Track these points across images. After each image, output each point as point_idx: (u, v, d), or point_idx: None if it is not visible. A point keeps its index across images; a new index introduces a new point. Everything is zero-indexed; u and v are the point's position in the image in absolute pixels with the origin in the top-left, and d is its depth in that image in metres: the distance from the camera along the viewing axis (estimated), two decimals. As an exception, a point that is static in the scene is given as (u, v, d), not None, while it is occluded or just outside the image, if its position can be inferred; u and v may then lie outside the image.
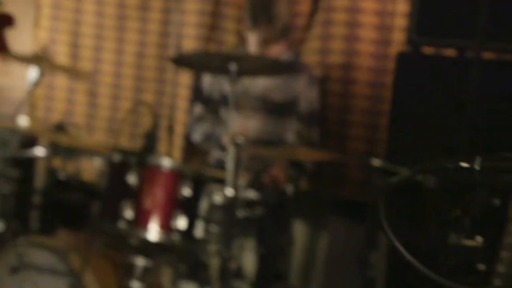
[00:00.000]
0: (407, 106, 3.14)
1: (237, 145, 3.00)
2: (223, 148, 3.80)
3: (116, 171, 3.02)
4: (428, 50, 3.20)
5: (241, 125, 3.75)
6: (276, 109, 3.82)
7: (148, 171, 2.97)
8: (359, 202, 3.83)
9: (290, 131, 3.85)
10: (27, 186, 4.03)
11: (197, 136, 3.94)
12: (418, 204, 3.03)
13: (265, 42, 3.66)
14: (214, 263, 3.40)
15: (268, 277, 3.41)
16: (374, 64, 3.91)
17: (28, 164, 4.61)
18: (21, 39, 4.95)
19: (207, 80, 3.95)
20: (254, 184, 3.36)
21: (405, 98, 3.15)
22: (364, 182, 3.93)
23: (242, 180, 3.35)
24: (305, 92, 3.81)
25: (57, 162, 3.82)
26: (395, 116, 3.20)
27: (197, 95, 4.04)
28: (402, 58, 3.18)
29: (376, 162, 2.89)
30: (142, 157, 2.96)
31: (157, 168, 2.98)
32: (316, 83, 3.84)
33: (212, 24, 4.37)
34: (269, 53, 3.67)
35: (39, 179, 4.75)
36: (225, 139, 3.71)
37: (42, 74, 3.89)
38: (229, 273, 3.03)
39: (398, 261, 3.21)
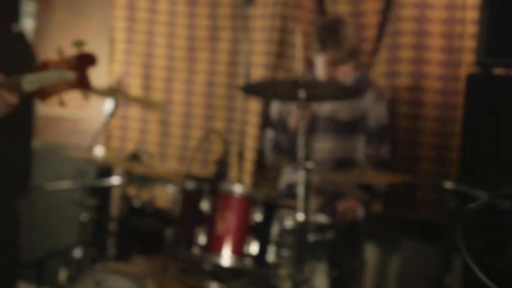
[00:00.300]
0: (479, 127, 3.12)
1: (307, 170, 3.03)
2: (291, 160, 3.84)
3: (190, 198, 3.09)
4: (498, 71, 3.18)
5: (313, 148, 3.78)
6: (345, 128, 3.83)
7: (220, 197, 3.02)
8: (431, 224, 3.80)
9: (360, 149, 3.85)
10: (104, 214, 4.15)
11: (269, 151, 4.00)
12: (493, 226, 3.00)
13: (333, 64, 3.70)
14: (286, 287, 3.42)
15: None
16: (442, 86, 3.89)
17: (104, 192, 4.75)
18: (97, 73, 5.11)
19: (275, 107, 4.01)
20: (326, 208, 3.38)
21: (476, 119, 3.13)
22: (435, 204, 3.90)
23: (314, 204, 3.38)
24: (373, 108, 3.81)
25: (132, 190, 3.93)
26: (466, 138, 3.18)
27: (267, 121, 4.10)
28: (472, 79, 3.17)
29: (449, 184, 2.87)
30: (214, 184, 3.02)
31: (229, 194, 3.03)
32: (383, 98, 3.84)
33: (280, 52, 4.44)
34: (336, 75, 3.71)
35: (115, 207, 4.89)
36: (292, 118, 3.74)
37: (117, 105, 4.03)
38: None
39: (474, 283, 3.17)
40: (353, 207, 3.61)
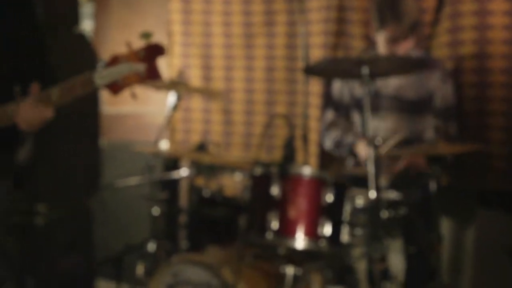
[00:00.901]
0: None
1: (375, 147, 2.99)
2: (354, 156, 3.80)
3: (259, 184, 3.08)
4: None
5: (376, 126, 3.73)
6: (411, 107, 3.77)
7: (290, 181, 3.00)
8: (505, 192, 3.70)
9: (427, 128, 3.79)
10: (174, 206, 4.18)
11: (328, 143, 3.97)
12: None
13: (394, 41, 3.62)
14: (361, 266, 3.39)
15: (420, 277, 3.35)
16: (509, 50, 3.78)
17: (173, 185, 4.78)
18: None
19: (337, 86, 3.97)
20: (397, 184, 3.33)
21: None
22: (509, 172, 3.80)
23: (384, 181, 3.34)
24: (439, 88, 3.74)
25: (200, 181, 3.95)
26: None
27: (328, 100, 4.05)
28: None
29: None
30: (283, 168, 3.00)
31: (298, 177, 3.01)
32: (449, 77, 3.77)
33: (338, 31, 4.38)
34: (398, 51, 3.63)
35: (185, 199, 4.93)
36: (360, 146, 3.71)
37: (179, 98, 4.05)
38: (377, 276, 3.00)
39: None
40: (418, 161, 3.53)
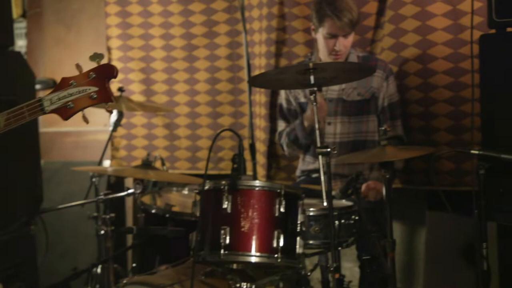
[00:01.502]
0: (497, 89, 3.04)
1: (326, 154, 2.94)
2: (307, 129, 3.77)
3: (209, 199, 2.99)
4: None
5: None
6: (355, 109, 3.77)
7: (240, 194, 2.92)
8: (453, 192, 3.72)
9: (373, 129, 3.79)
10: (121, 226, 4.06)
11: (285, 145, 3.93)
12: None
13: (333, 36, 3.63)
14: (316, 276, 3.34)
15: (374, 284, 3.32)
16: (450, 52, 3.79)
17: (119, 204, 4.66)
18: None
19: (283, 95, 3.95)
20: (348, 191, 3.29)
21: (493, 80, 3.05)
22: (455, 173, 3.81)
23: (335, 189, 3.30)
24: (383, 86, 3.75)
25: (147, 199, 3.84)
26: (486, 101, 3.09)
27: (279, 111, 4.02)
28: (485, 40, 3.09)
29: (475, 150, 2.78)
30: (232, 182, 2.92)
31: (249, 190, 2.93)
32: (392, 75, 3.78)
33: (281, 39, 4.34)
34: (338, 48, 3.63)
35: (132, 218, 4.81)
36: (308, 113, 3.69)
37: (121, 115, 3.94)
38: (333, 284, 2.95)
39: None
40: (376, 187, 3.54)
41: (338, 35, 3.63)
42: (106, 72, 2.31)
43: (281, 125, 4.00)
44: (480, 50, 3.11)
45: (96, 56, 2.30)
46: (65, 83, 2.32)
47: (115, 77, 2.33)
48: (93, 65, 2.30)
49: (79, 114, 2.36)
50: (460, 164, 3.78)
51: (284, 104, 3.95)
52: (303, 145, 3.85)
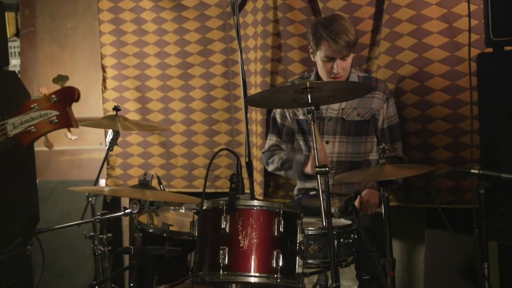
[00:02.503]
0: (495, 107, 3.04)
1: (324, 173, 2.93)
2: (303, 175, 3.76)
3: (207, 218, 2.97)
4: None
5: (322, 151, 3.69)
6: (354, 129, 3.75)
7: (239, 214, 2.90)
8: (452, 210, 3.70)
9: (372, 150, 3.78)
10: (119, 246, 4.03)
11: (272, 165, 3.93)
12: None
13: (331, 59, 3.62)
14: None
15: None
16: (446, 69, 3.79)
17: (116, 224, 4.63)
18: (92, 102, 5.03)
19: (278, 112, 3.93)
20: (346, 210, 3.28)
21: (491, 99, 3.05)
22: (455, 191, 3.80)
23: (334, 207, 3.29)
24: (382, 108, 3.74)
25: (144, 218, 3.81)
26: (485, 119, 3.09)
27: (272, 125, 4.01)
28: (483, 58, 3.10)
29: (475, 169, 2.77)
30: (231, 201, 2.90)
31: (248, 210, 2.91)
32: (392, 97, 3.78)
33: (276, 57, 4.34)
34: (337, 70, 3.62)
35: (129, 238, 4.78)
36: (308, 168, 3.67)
37: (117, 133, 3.92)
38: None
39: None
40: (370, 199, 3.52)
41: (335, 58, 3.62)
42: (67, 95, 2.23)
43: (271, 139, 3.98)
44: (477, 69, 3.11)
45: (60, 78, 2.25)
46: (28, 106, 2.24)
47: (76, 100, 2.23)
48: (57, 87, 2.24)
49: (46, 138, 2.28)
50: (460, 182, 3.76)
51: (278, 119, 3.93)
52: (294, 167, 3.84)
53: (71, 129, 2.25)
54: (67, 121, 2.23)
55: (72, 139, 2.32)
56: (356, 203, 3.48)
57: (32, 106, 2.24)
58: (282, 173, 3.96)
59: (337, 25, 3.60)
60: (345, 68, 3.67)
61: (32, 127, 2.24)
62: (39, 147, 5.10)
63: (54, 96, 2.23)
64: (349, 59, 3.67)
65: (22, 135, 2.26)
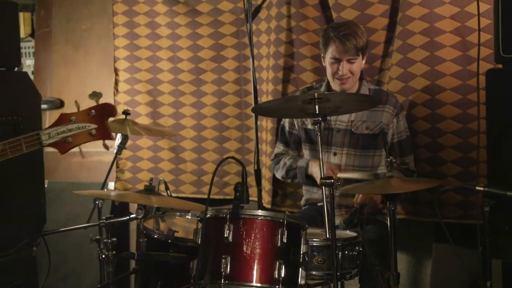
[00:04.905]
0: (503, 124, 3.00)
1: (330, 185, 2.91)
2: (309, 180, 3.74)
3: (211, 226, 2.96)
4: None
5: (328, 163, 3.67)
6: (363, 142, 3.73)
7: (243, 223, 2.89)
8: (460, 225, 3.67)
9: (380, 164, 3.75)
10: (123, 251, 4.02)
11: (279, 172, 3.93)
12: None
13: (338, 60, 3.62)
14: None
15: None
16: (458, 83, 3.76)
17: (122, 228, 4.63)
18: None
19: (288, 119, 3.92)
20: (352, 222, 3.26)
21: (499, 115, 3.02)
22: (462, 205, 3.77)
23: (339, 219, 3.27)
24: (392, 123, 3.71)
25: (150, 223, 3.80)
26: (492, 136, 3.06)
27: (280, 134, 4.00)
28: (492, 74, 3.07)
29: (480, 186, 2.74)
30: (235, 210, 2.89)
31: (251, 219, 2.90)
32: (402, 112, 3.75)
33: (288, 65, 4.33)
34: (344, 72, 3.61)
35: (134, 243, 4.77)
36: (313, 167, 3.67)
37: (126, 137, 3.92)
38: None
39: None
40: (374, 198, 3.50)
41: (341, 60, 3.61)
42: (106, 111, 2.44)
43: (279, 147, 3.98)
44: (486, 85, 3.08)
45: (95, 95, 2.44)
46: (65, 119, 2.44)
47: (114, 116, 2.46)
48: (92, 102, 2.44)
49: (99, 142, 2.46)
50: (467, 197, 3.73)
51: (287, 128, 3.92)
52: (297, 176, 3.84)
53: (107, 141, 2.49)
54: (105, 134, 2.46)
55: (108, 150, 2.59)
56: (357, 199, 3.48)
57: (70, 119, 2.44)
58: (289, 181, 3.96)
59: (347, 27, 3.62)
60: (353, 71, 3.65)
61: (70, 138, 2.44)
62: (49, 148, 5.14)
63: (93, 111, 2.43)
64: (357, 63, 3.65)
65: (59, 145, 2.46)
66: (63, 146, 2.44)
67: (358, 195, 3.54)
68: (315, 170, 3.67)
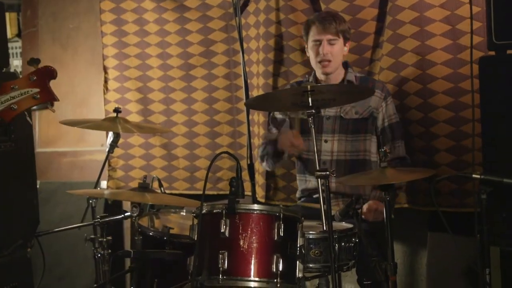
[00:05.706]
0: (497, 111, 3.00)
1: (325, 177, 2.90)
2: (277, 156, 3.75)
3: (207, 222, 2.95)
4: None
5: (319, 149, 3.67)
6: (353, 127, 3.73)
7: (239, 218, 2.88)
8: (454, 213, 3.68)
9: (371, 148, 3.75)
10: (118, 249, 4.01)
11: (261, 161, 3.90)
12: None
13: (318, 42, 3.63)
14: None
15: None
16: (449, 72, 3.76)
17: (116, 227, 4.61)
18: (93, 104, 5.02)
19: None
20: (347, 213, 3.25)
21: (493, 102, 3.02)
22: (457, 194, 3.77)
23: (335, 210, 3.26)
24: (381, 107, 3.72)
25: (144, 221, 3.79)
26: (487, 124, 3.06)
27: (271, 121, 3.98)
28: (485, 62, 3.07)
29: (476, 174, 2.74)
30: (231, 205, 2.88)
31: (247, 214, 2.89)
32: (390, 96, 3.75)
33: (278, 59, 4.32)
34: (326, 56, 3.62)
35: (129, 241, 4.76)
36: (281, 143, 3.66)
37: (118, 135, 3.90)
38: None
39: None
40: (378, 208, 3.50)
41: (321, 40, 3.62)
42: (46, 74, 2.42)
43: (271, 131, 3.95)
44: (479, 73, 3.08)
45: (33, 61, 2.44)
46: (7, 88, 2.43)
47: (54, 77, 2.43)
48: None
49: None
50: (462, 185, 3.73)
51: (279, 115, 3.90)
52: (270, 163, 3.83)
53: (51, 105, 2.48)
54: (49, 96, 2.42)
55: (54, 112, 2.54)
56: (365, 207, 3.49)
57: (12, 86, 2.42)
58: (268, 166, 3.90)
59: (326, 13, 3.71)
60: (334, 54, 3.65)
61: (13, 104, 2.42)
62: (40, 148, 5.11)
63: (33, 75, 2.42)
64: (338, 45, 3.66)
65: (4, 113, 2.44)
66: (9, 113, 2.43)
67: (365, 207, 3.54)
68: (282, 137, 3.68)
